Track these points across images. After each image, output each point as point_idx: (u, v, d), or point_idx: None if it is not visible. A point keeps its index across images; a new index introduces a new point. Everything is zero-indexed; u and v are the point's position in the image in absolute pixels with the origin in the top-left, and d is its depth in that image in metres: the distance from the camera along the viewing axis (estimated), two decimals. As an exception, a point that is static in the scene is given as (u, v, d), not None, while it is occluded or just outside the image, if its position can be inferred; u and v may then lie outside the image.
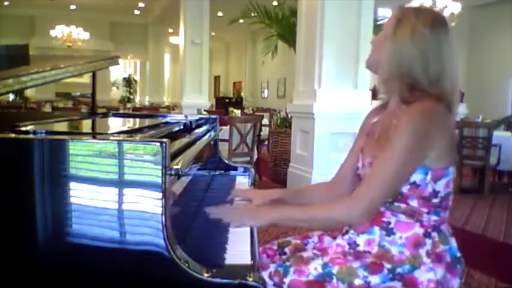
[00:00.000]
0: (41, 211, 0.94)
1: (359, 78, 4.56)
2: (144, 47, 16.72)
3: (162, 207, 0.93)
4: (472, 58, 10.52)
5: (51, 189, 0.94)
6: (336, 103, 4.48)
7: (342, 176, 1.38)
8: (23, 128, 1.04)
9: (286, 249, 1.33)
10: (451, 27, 1.19)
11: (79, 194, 0.94)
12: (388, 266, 1.11)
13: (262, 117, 5.79)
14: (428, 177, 1.11)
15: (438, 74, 1.13)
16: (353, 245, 1.20)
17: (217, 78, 20.04)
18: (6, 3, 12.76)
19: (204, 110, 8.50)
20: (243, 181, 1.93)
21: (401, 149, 1.08)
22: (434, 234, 1.15)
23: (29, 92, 12.86)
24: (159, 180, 0.93)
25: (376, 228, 1.17)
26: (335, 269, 1.12)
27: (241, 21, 7.19)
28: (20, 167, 0.94)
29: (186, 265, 0.91)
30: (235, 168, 2.05)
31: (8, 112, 4.78)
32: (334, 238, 1.28)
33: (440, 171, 1.12)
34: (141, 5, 13.91)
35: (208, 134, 1.94)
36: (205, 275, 0.91)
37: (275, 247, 1.34)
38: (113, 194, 0.94)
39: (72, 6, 13.60)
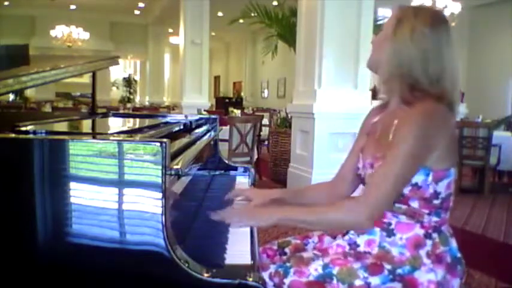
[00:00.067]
0: (41, 211, 0.94)
1: (359, 78, 4.56)
2: (144, 47, 16.72)
3: (162, 207, 0.93)
4: (472, 58, 10.52)
5: (51, 189, 0.94)
6: (336, 103, 4.48)
7: (343, 176, 1.38)
8: (23, 128, 1.04)
9: (286, 250, 1.32)
10: (451, 27, 1.19)
11: (79, 194, 0.94)
12: (388, 266, 1.11)
13: (262, 117, 5.79)
14: (430, 178, 1.11)
15: (438, 73, 1.13)
16: (353, 245, 1.20)
17: (217, 78, 20.04)
18: (6, 3, 12.76)
19: (204, 110, 8.50)
20: (243, 181, 1.94)
21: (404, 151, 1.07)
22: (435, 235, 1.15)
23: (29, 92, 12.86)
24: (159, 180, 0.93)
25: (377, 229, 1.17)
26: (335, 270, 1.12)
27: (241, 21, 7.19)
28: (20, 167, 0.94)
29: (186, 265, 0.91)
30: (235, 168, 2.06)
31: (8, 112, 4.78)
32: (334, 238, 1.28)
33: (442, 172, 1.12)
34: (141, 5, 13.91)
35: (208, 134, 1.94)
36: (205, 275, 0.91)
37: (275, 247, 1.34)
38: (113, 194, 0.94)
39: (72, 6, 13.60)
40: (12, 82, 1.17)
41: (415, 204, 1.14)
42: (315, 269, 1.13)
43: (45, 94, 13.60)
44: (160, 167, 0.93)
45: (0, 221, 0.94)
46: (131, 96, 18.09)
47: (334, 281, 1.10)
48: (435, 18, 1.16)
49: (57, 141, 0.96)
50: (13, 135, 0.99)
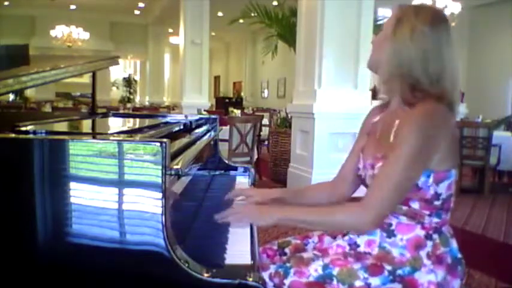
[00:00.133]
0: (41, 211, 0.94)
1: (359, 78, 4.57)
2: (144, 47, 16.72)
3: (162, 207, 0.93)
4: (472, 58, 10.52)
5: (51, 189, 0.94)
6: (336, 103, 4.48)
7: (343, 177, 1.38)
8: (23, 128, 1.04)
9: (286, 250, 1.32)
10: (451, 27, 1.19)
11: (79, 194, 0.94)
12: (388, 267, 1.11)
13: (262, 117, 5.79)
14: (431, 179, 1.11)
15: (438, 73, 1.12)
16: (353, 245, 1.20)
17: (217, 78, 20.04)
18: (6, 3, 12.76)
19: (204, 110, 8.50)
20: (243, 181, 1.94)
21: (407, 154, 1.07)
22: (435, 236, 1.14)
23: (29, 92, 12.86)
24: (159, 180, 0.93)
25: (377, 230, 1.17)
26: (335, 271, 1.12)
27: (241, 21, 7.19)
28: (20, 167, 0.94)
29: (186, 265, 0.91)
30: (235, 168, 2.06)
31: (8, 112, 4.78)
32: (334, 238, 1.28)
33: (443, 173, 1.12)
34: (141, 5, 13.91)
35: (208, 134, 1.94)
36: (205, 275, 0.91)
37: (275, 247, 1.34)
38: (113, 194, 0.94)
39: (72, 6, 13.60)
40: (12, 82, 1.17)
41: (415, 205, 1.14)
42: (315, 270, 1.13)
43: (45, 94, 13.60)
44: (160, 167, 0.93)
45: (0, 221, 0.94)
46: (131, 96, 18.09)
47: (334, 282, 1.10)
48: (435, 17, 1.15)
49: (57, 141, 0.96)
50: (13, 135, 0.99)
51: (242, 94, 17.58)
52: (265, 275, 1.14)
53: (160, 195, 0.93)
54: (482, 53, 10.58)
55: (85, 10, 13.84)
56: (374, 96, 4.55)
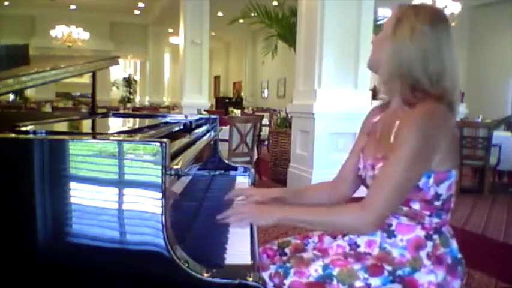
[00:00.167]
0: (41, 211, 0.94)
1: (359, 78, 4.57)
2: (144, 47, 16.72)
3: (162, 207, 0.93)
4: (472, 58, 10.52)
5: (51, 189, 0.94)
6: (336, 103, 4.48)
7: (343, 177, 1.38)
8: (23, 128, 1.04)
9: (286, 250, 1.32)
10: (451, 27, 1.18)
11: (79, 194, 0.94)
12: (388, 268, 1.11)
13: (262, 117, 5.79)
14: (431, 180, 1.11)
15: (439, 73, 1.12)
16: (353, 246, 1.20)
17: (217, 78, 20.04)
18: (6, 3, 12.76)
19: (204, 110, 8.50)
20: (243, 181, 1.94)
21: (407, 155, 1.07)
22: (436, 236, 1.14)
23: (29, 92, 12.86)
24: (159, 180, 0.93)
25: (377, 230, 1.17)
26: (335, 271, 1.11)
27: (241, 21, 7.20)
28: (20, 167, 0.94)
29: (186, 265, 0.91)
30: (235, 168, 2.06)
31: (8, 112, 4.78)
32: (334, 238, 1.28)
33: (443, 174, 1.12)
34: (141, 5, 13.91)
35: (208, 134, 1.94)
36: (205, 275, 0.91)
37: (275, 247, 1.34)
38: (113, 194, 0.94)
39: (72, 6, 13.60)
40: (12, 82, 1.17)
41: (416, 205, 1.14)
42: (315, 270, 1.12)
43: (45, 94, 13.60)
44: (160, 167, 0.93)
45: (0, 221, 0.94)
46: (131, 96, 18.09)
47: (334, 282, 1.10)
48: (435, 17, 1.15)
49: (57, 141, 0.96)
50: (13, 135, 0.99)
51: (242, 94, 17.58)
52: (265, 275, 1.14)
53: (160, 195, 0.93)
54: (482, 53, 10.58)
55: (85, 10, 13.84)
56: (374, 96, 4.55)
